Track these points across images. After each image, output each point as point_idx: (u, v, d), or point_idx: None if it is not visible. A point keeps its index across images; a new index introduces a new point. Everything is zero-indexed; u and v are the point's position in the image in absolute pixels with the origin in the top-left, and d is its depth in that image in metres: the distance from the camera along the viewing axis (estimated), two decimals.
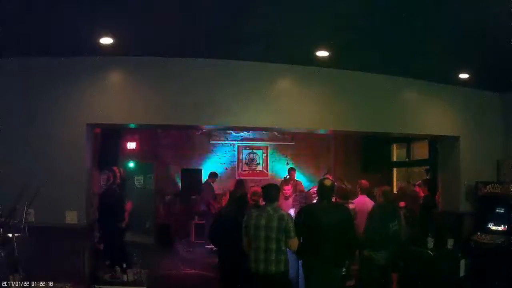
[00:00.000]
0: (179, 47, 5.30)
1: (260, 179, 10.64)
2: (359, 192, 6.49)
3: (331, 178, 6.87)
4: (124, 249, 5.81)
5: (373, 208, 5.51)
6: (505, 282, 5.80)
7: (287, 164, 11.31)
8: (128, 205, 5.78)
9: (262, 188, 4.84)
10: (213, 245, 5.82)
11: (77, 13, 4.09)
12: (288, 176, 9.35)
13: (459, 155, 6.97)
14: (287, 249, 4.28)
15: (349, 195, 6.23)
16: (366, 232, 5.22)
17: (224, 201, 8.23)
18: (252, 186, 6.29)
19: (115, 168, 6.20)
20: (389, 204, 5.48)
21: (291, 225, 4.16)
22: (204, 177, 10.29)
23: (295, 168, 9.95)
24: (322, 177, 6.02)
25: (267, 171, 11.48)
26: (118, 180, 5.97)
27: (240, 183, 7.06)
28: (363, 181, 6.57)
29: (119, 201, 5.84)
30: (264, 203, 4.47)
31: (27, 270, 4.20)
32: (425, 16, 4.22)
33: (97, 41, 4.82)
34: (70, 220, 5.21)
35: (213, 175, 9.92)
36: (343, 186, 6.54)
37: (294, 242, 4.22)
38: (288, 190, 8.08)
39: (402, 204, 6.31)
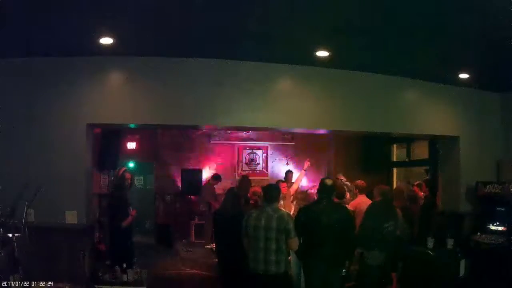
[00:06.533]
0: (179, 47, 5.30)
1: (260, 179, 10.63)
2: (357, 193, 6.49)
3: (342, 178, 6.89)
4: (131, 249, 5.80)
5: (369, 206, 5.49)
6: (505, 282, 5.80)
7: (287, 164, 11.30)
8: (133, 212, 5.78)
9: (262, 188, 4.84)
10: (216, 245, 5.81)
11: (77, 13, 4.09)
12: (285, 178, 9.32)
13: (459, 155, 6.97)
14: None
15: (344, 195, 6.24)
16: (359, 230, 5.20)
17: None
18: (252, 186, 6.30)
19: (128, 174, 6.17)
20: (386, 204, 5.46)
21: (291, 225, 4.16)
22: (205, 177, 10.27)
23: (292, 171, 9.93)
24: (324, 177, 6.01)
25: (267, 171, 11.47)
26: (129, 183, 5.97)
27: (244, 180, 7.00)
28: (359, 181, 6.57)
29: (124, 201, 5.84)
30: (263, 203, 4.47)
31: (27, 270, 4.19)
32: (425, 16, 4.22)
33: (97, 41, 4.83)
34: (70, 220, 5.21)
35: (216, 178, 9.87)
36: (343, 185, 6.56)
37: (294, 242, 4.22)
38: (284, 187, 8.04)
39: (395, 203, 6.29)
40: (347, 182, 7.10)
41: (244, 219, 4.36)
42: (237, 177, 10.89)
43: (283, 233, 4.12)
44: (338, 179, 7.04)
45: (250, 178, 7.56)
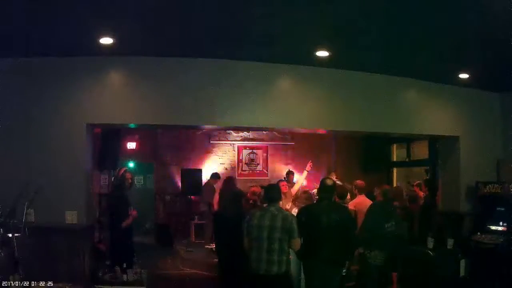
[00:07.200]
0: (179, 47, 5.30)
1: (260, 179, 10.63)
2: (356, 193, 6.49)
3: (334, 178, 6.89)
4: (131, 249, 5.80)
5: (370, 206, 5.50)
6: (505, 282, 5.80)
7: (287, 164, 11.30)
8: (134, 213, 5.77)
9: (264, 188, 4.84)
10: (216, 245, 5.79)
11: (77, 13, 4.09)
12: (286, 178, 9.32)
13: (459, 155, 6.98)
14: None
15: (346, 195, 6.25)
16: (360, 230, 5.21)
17: (215, 202, 8.12)
18: (252, 186, 6.29)
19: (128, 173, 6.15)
20: (387, 204, 5.48)
21: (295, 226, 4.15)
22: (205, 177, 10.27)
23: (293, 172, 9.94)
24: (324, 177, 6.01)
25: (267, 171, 11.47)
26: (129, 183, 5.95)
27: (229, 181, 6.86)
28: (359, 181, 6.57)
29: (124, 201, 5.83)
30: (265, 203, 4.46)
31: (27, 270, 4.19)
32: (425, 16, 4.22)
33: (97, 41, 4.83)
34: (70, 220, 5.21)
35: (215, 176, 9.85)
36: (346, 186, 6.55)
37: (297, 242, 4.22)
38: (284, 186, 8.01)
39: (394, 203, 6.29)
40: (339, 182, 7.10)
41: (246, 218, 4.35)
42: (236, 177, 10.90)
43: (287, 233, 4.12)
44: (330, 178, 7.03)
45: (250, 178, 7.52)
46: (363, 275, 5.44)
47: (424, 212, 6.98)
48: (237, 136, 11.31)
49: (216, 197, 7.89)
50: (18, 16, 4.09)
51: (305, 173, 7.08)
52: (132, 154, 10.52)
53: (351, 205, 6.17)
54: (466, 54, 5.41)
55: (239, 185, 9.09)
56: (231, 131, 10.97)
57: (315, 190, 7.46)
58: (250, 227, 4.26)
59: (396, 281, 5.72)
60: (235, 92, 5.76)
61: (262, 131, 10.47)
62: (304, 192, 6.55)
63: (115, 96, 5.55)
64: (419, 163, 10.05)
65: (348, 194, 6.83)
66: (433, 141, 8.25)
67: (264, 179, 10.78)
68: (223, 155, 11.29)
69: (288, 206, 6.10)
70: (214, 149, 11.21)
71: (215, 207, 7.89)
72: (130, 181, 5.86)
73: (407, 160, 10.64)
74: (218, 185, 9.76)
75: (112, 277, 4.97)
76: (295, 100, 6.05)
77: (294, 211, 5.39)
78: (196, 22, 4.44)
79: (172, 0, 3.93)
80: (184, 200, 10.55)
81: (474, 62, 5.80)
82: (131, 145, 10.56)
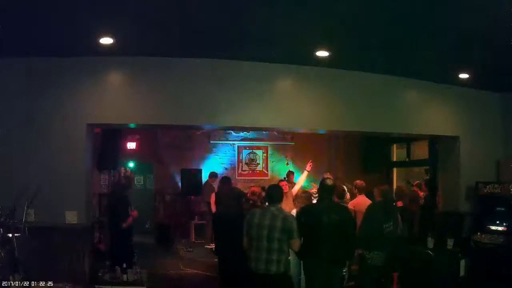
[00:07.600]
0: (179, 47, 5.30)
1: (260, 179, 10.63)
2: (356, 193, 6.49)
3: (331, 177, 6.89)
4: (131, 249, 5.80)
5: (369, 207, 5.49)
6: (505, 282, 5.80)
7: (287, 164, 11.30)
8: (134, 213, 5.76)
9: (266, 189, 4.84)
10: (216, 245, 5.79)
11: (77, 13, 4.09)
12: (286, 178, 9.33)
13: (459, 155, 6.98)
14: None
15: (344, 194, 6.24)
16: (359, 230, 5.20)
17: (212, 201, 8.12)
18: (251, 186, 6.29)
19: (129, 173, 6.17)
20: (386, 204, 5.47)
21: (295, 227, 4.15)
22: (205, 177, 10.28)
23: (293, 172, 9.94)
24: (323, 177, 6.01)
25: (267, 171, 11.47)
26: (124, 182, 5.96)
27: (226, 181, 6.80)
28: (358, 181, 6.56)
29: (124, 201, 5.84)
30: (266, 203, 4.47)
31: (27, 270, 4.20)
32: (425, 16, 4.22)
33: (97, 41, 4.83)
34: (70, 220, 5.21)
35: (213, 175, 9.88)
36: (342, 185, 6.55)
37: (296, 243, 4.22)
38: (285, 185, 8.01)
39: (399, 204, 6.31)
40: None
41: (246, 218, 4.35)
42: (236, 177, 10.92)
43: (286, 233, 4.12)
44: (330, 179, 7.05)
45: (250, 178, 7.50)
46: (363, 275, 5.44)
47: (424, 212, 6.99)
48: (237, 136, 11.31)
49: (213, 197, 7.92)
50: (18, 16, 4.09)
51: (305, 173, 7.08)
52: (132, 154, 10.52)
53: (350, 205, 6.17)
54: (466, 54, 5.41)
55: (239, 185, 9.17)
56: (231, 131, 10.97)
57: (314, 190, 7.48)
58: (250, 227, 4.26)
59: (396, 281, 5.72)
60: (235, 92, 5.76)
61: (262, 131, 10.47)
62: (304, 192, 6.55)
63: (115, 96, 5.55)
64: (419, 163, 10.05)
65: (348, 194, 6.83)
66: (433, 141, 8.25)
67: (264, 179, 10.79)
68: (223, 155, 11.29)
69: (288, 207, 6.10)
70: (214, 149, 11.21)
71: (212, 207, 7.91)
72: (130, 181, 5.88)
73: (407, 160, 10.64)
74: (217, 184, 9.80)
75: (112, 277, 4.99)
76: (295, 100, 6.05)
77: (294, 212, 5.40)
78: (196, 22, 4.44)
79: (172, 0, 3.93)
80: (184, 200, 10.55)
81: (474, 62, 5.80)
82: (131, 145, 10.56)
